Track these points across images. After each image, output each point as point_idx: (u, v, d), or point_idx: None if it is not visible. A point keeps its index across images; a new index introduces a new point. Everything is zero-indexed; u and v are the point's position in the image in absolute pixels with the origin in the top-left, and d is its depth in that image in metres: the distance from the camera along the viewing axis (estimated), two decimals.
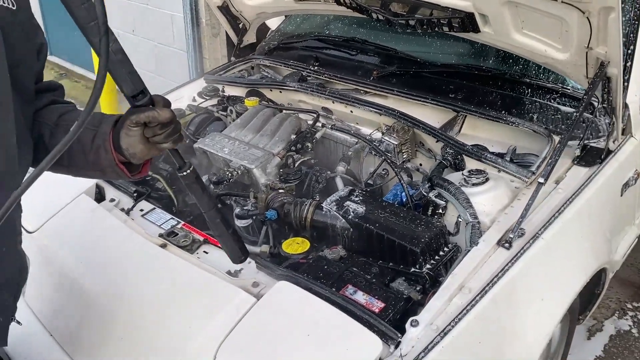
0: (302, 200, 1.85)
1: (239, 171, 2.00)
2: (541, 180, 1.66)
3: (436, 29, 2.06)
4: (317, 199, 1.88)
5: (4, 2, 1.08)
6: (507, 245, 1.57)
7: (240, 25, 2.85)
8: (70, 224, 1.84)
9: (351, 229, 1.71)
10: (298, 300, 1.46)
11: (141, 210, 1.93)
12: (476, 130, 2.13)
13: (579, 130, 1.93)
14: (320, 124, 2.27)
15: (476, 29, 1.98)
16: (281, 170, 2.03)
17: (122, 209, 1.93)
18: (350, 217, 1.71)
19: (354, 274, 1.58)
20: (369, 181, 2.11)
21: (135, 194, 1.99)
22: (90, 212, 1.87)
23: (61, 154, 0.90)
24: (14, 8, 1.10)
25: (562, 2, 1.61)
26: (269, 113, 2.30)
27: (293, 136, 2.15)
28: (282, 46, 2.84)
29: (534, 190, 1.66)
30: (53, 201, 1.92)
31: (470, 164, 1.91)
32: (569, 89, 2.08)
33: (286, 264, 1.68)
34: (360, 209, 1.73)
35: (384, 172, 2.12)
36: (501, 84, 2.20)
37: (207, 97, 2.61)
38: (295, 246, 1.73)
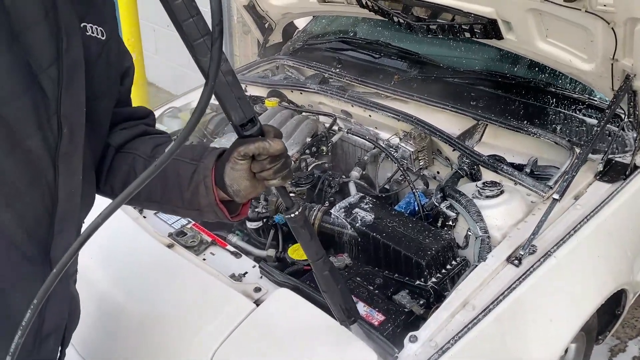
0: (311, 205, 1.84)
1: None
2: (556, 196, 1.60)
3: (457, 35, 2.01)
4: (328, 205, 1.86)
5: (92, 32, 0.98)
6: (516, 262, 1.52)
7: (266, 25, 2.85)
8: None
9: (358, 238, 1.69)
10: (297, 309, 1.45)
11: None
12: (497, 140, 2.07)
13: (603, 144, 1.86)
14: (337, 128, 2.24)
15: (499, 36, 1.93)
16: (294, 173, 2.02)
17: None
18: (358, 224, 1.69)
19: (357, 283, 1.56)
20: (385, 187, 2.08)
21: None
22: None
23: (143, 186, 0.77)
24: (103, 38, 1.01)
25: (586, 11, 1.54)
26: (286, 114, 2.29)
27: (308, 139, 2.13)
28: (307, 47, 2.82)
29: (548, 206, 1.60)
30: None
31: (487, 174, 1.86)
32: (595, 100, 2.00)
33: (290, 270, 1.67)
34: (369, 217, 1.71)
35: (401, 178, 2.08)
36: (525, 93, 2.13)
37: None
38: (301, 252, 1.71)
